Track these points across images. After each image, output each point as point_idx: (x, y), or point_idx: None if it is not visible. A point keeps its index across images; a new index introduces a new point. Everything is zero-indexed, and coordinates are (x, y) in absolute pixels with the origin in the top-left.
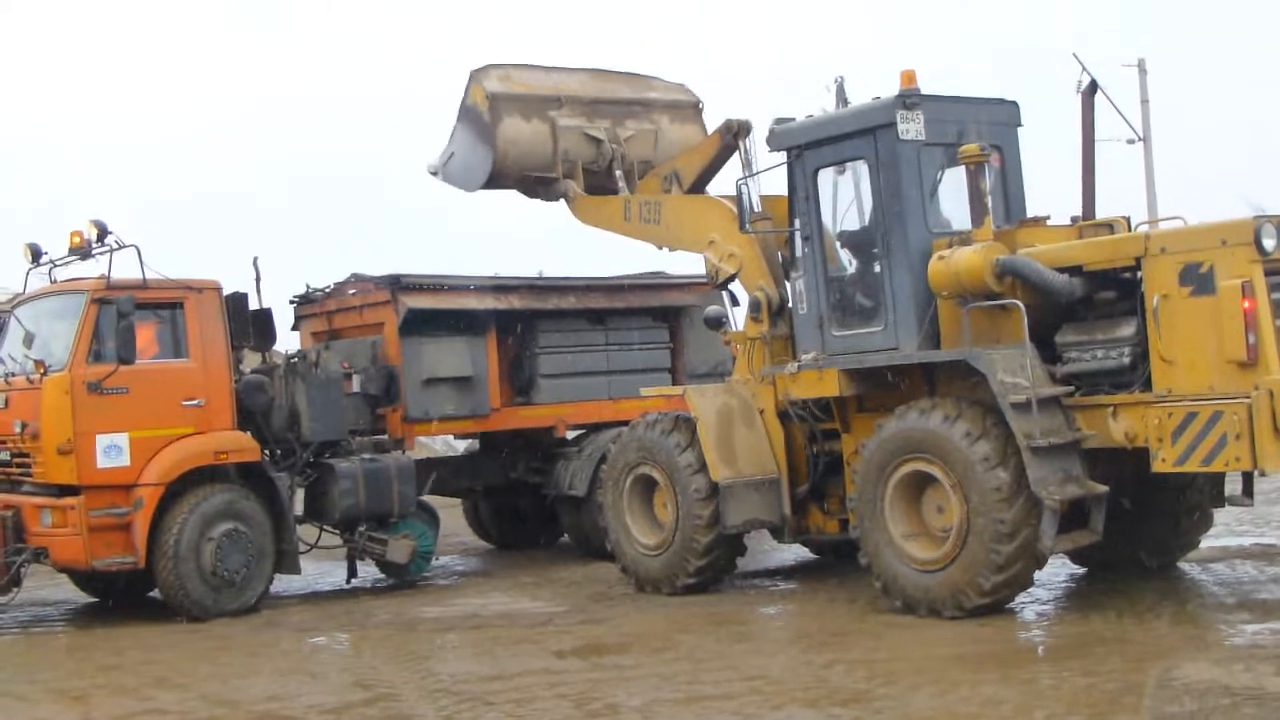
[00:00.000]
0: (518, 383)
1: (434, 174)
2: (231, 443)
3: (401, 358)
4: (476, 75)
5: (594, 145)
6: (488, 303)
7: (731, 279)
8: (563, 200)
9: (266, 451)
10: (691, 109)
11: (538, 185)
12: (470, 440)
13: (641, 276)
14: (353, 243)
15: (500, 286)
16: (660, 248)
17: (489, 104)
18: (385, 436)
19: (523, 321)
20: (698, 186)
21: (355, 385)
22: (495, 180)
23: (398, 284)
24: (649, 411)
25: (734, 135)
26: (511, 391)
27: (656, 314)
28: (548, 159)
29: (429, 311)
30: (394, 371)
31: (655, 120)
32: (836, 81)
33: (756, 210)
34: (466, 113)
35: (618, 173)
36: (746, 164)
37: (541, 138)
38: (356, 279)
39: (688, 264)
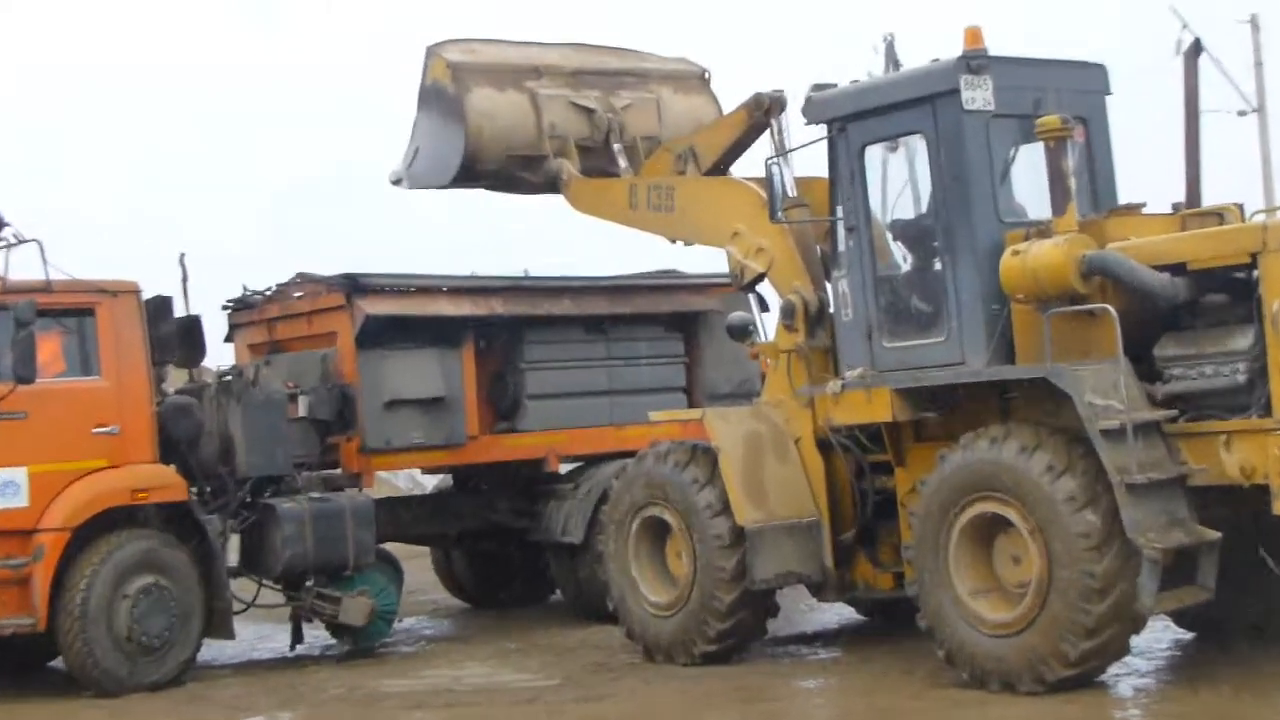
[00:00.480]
0: (500, 405)
1: (397, 183)
2: (152, 478)
3: (359, 375)
4: (434, 50)
5: (585, 117)
6: (464, 308)
7: (759, 279)
8: (554, 187)
9: (194, 489)
10: (697, 80)
11: (522, 170)
12: (442, 475)
13: (650, 276)
14: (302, 239)
15: (479, 288)
16: (673, 241)
17: (452, 75)
18: (338, 471)
19: (507, 331)
20: (719, 169)
21: (302, 409)
22: (471, 167)
23: (354, 285)
24: (659, 440)
25: (764, 111)
26: (493, 416)
27: (669, 321)
28: (531, 134)
29: (392, 318)
30: (349, 392)
31: (655, 90)
32: (885, 40)
33: (790, 195)
34: (427, 95)
35: (616, 147)
36: (780, 147)
37: (521, 110)
38: (303, 279)
39: (706, 261)
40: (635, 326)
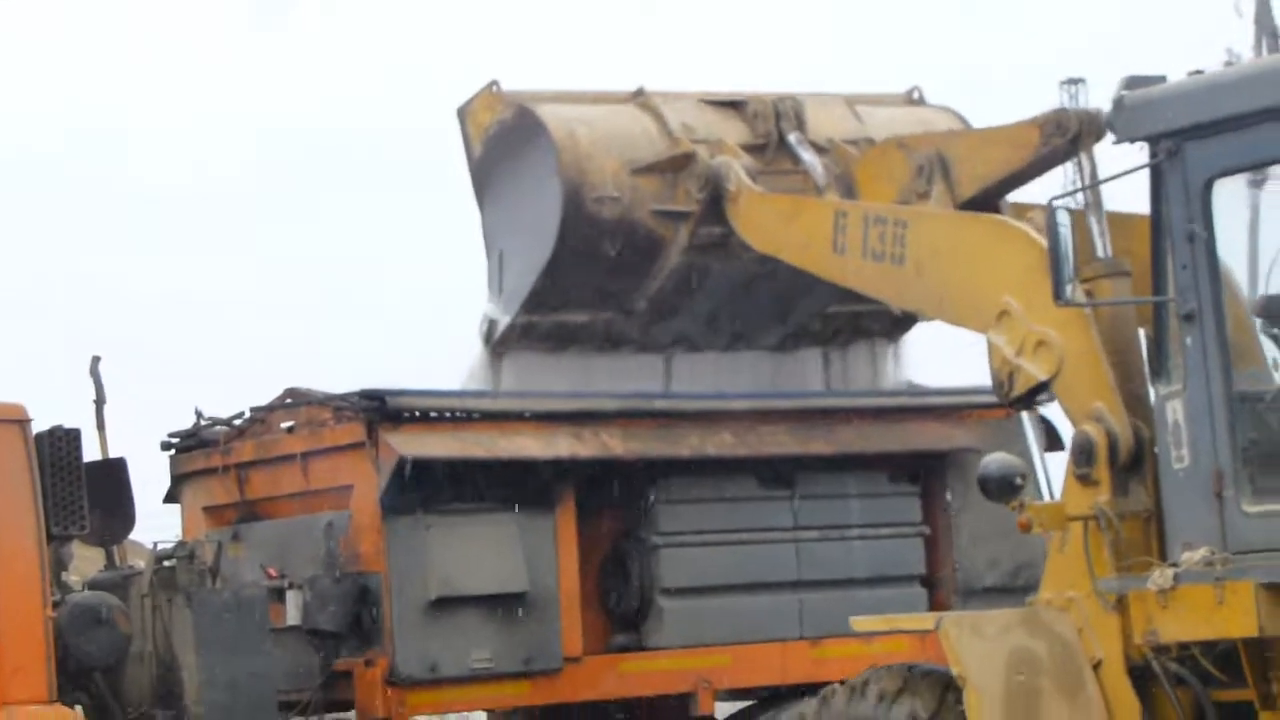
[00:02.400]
0: (620, 605)
1: (492, 334)
2: None
3: (386, 557)
4: (467, 105)
5: (735, 114)
6: (560, 445)
7: (1039, 391)
8: (717, 207)
9: None
10: (901, 99)
11: (663, 200)
12: None
13: (867, 392)
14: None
15: (584, 414)
16: (898, 311)
17: (505, 101)
18: (352, 715)
19: (630, 483)
20: (983, 203)
21: (292, 613)
22: (581, 204)
23: (381, 408)
24: (875, 665)
25: (1070, 138)
26: (607, 623)
27: (898, 467)
28: (656, 140)
29: (442, 464)
30: (370, 585)
31: (839, 101)
32: None
33: (1103, 255)
34: (485, 160)
35: (794, 137)
36: (1091, 195)
37: (627, 116)
38: (296, 400)
39: (964, 356)
40: (842, 475)
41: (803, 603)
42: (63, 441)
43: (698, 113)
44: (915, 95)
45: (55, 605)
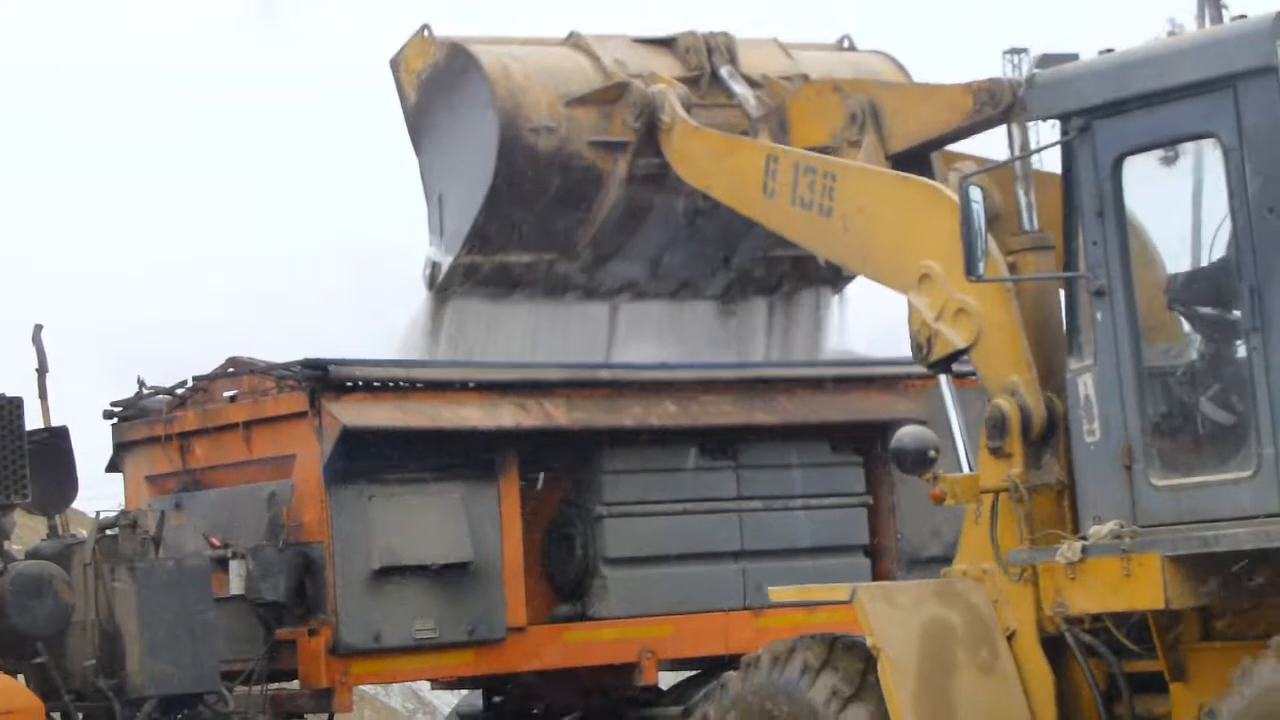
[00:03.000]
0: (563, 576)
1: (436, 277)
2: None
3: (330, 526)
4: (398, 55)
5: (666, 50)
6: (504, 416)
7: (955, 358)
8: (650, 139)
9: (58, 716)
10: (832, 46)
11: (598, 134)
12: (467, 693)
13: (809, 363)
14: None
15: (528, 384)
16: (823, 262)
17: (437, 43)
18: (295, 685)
19: (574, 453)
20: (912, 161)
21: (235, 582)
22: (518, 136)
23: (323, 378)
24: (805, 635)
25: (1003, 109)
26: (550, 593)
27: (840, 436)
28: (590, 75)
29: (386, 433)
30: (313, 554)
31: (770, 42)
32: None
33: (1029, 228)
34: (420, 104)
35: (726, 70)
36: (1020, 167)
37: (560, 54)
38: (238, 369)
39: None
40: (785, 445)
41: (746, 573)
42: (5, 410)
43: (630, 50)
44: (845, 44)
45: None
